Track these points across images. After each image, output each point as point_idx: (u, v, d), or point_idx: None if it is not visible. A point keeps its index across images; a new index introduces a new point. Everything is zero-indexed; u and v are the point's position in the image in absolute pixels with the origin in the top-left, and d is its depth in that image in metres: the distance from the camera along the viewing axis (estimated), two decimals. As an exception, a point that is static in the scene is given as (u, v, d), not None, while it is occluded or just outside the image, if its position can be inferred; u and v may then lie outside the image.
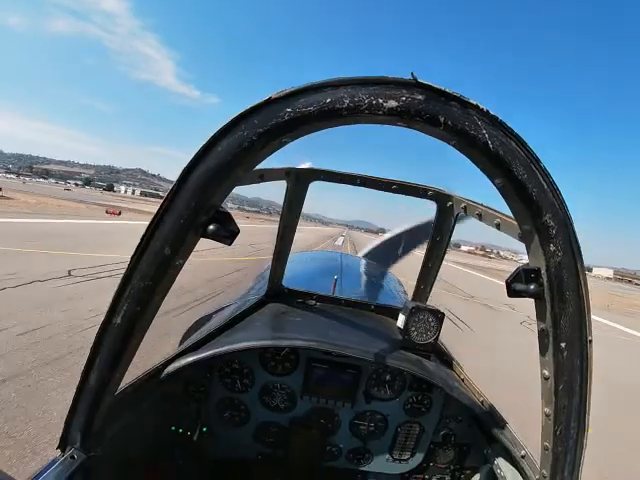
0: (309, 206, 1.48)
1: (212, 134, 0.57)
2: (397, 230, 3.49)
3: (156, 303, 0.69)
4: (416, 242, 3.00)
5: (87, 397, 0.73)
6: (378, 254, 3.82)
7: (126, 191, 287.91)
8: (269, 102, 0.55)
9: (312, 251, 3.90)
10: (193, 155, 0.58)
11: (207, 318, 1.63)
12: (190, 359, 1.07)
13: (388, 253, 3.59)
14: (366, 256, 3.93)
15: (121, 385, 0.82)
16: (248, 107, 0.55)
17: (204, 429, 1.26)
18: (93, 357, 0.70)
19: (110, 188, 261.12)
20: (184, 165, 0.59)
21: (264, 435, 1.34)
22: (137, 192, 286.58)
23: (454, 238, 1.42)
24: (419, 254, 1.75)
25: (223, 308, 1.71)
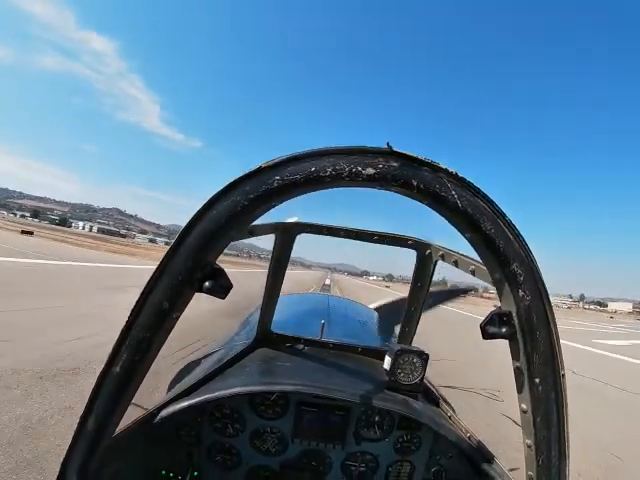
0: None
1: (208, 198, 0.62)
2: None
3: (153, 353, 0.72)
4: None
5: (84, 440, 0.75)
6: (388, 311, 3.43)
7: (84, 227, 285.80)
8: (260, 170, 0.60)
9: (299, 294, 3.99)
10: (190, 217, 0.63)
11: (196, 363, 1.63)
12: (184, 404, 1.10)
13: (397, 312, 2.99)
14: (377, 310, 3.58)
15: (117, 429, 0.83)
16: (241, 175, 0.61)
17: (195, 473, 1.27)
18: (92, 402, 0.73)
19: (63, 223, 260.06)
20: (183, 224, 0.65)
21: (256, 479, 1.34)
22: (94, 229, 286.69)
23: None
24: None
25: (212, 353, 1.72)
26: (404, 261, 1.59)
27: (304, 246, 1.56)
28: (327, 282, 26.34)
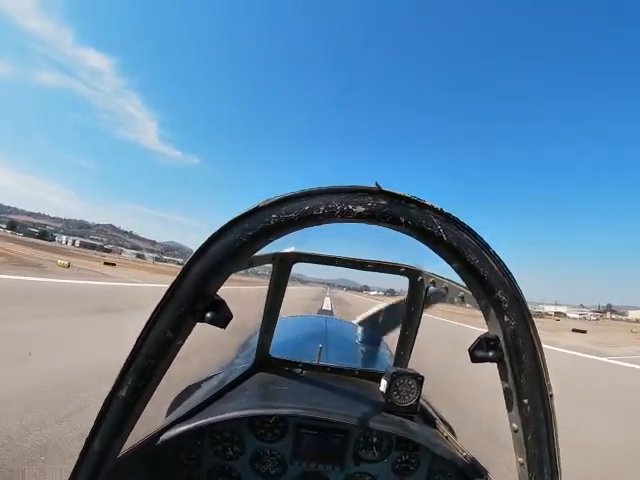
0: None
1: (209, 235, 0.67)
2: (393, 301, 3.20)
3: (157, 378, 0.76)
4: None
5: (90, 460, 0.77)
6: (374, 322, 3.43)
7: (67, 242, 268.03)
8: (257, 210, 0.65)
9: (297, 316, 4.01)
10: (193, 253, 0.68)
11: (196, 387, 1.65)
12: (185, 427, 1.12)
13: (385, 321, 3.25)
14: (361, 324, 3.57)
15: (121, 451, 0.85)
16: (239, 214, 0.65)
17: None
18: (98, 425, 0.75)
19: (42, 236, 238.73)
20: (187, 258, 0.69)
21: None
22: (77, 243, 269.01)
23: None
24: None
25: (212, 377, 1.74)
26: (403, 277, 1.57)
27: (304, 264, 1.60)
28: (326, 306, 20.52)
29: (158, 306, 0.69)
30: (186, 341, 0.75)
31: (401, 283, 1.56)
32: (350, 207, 0.63)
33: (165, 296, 0.69)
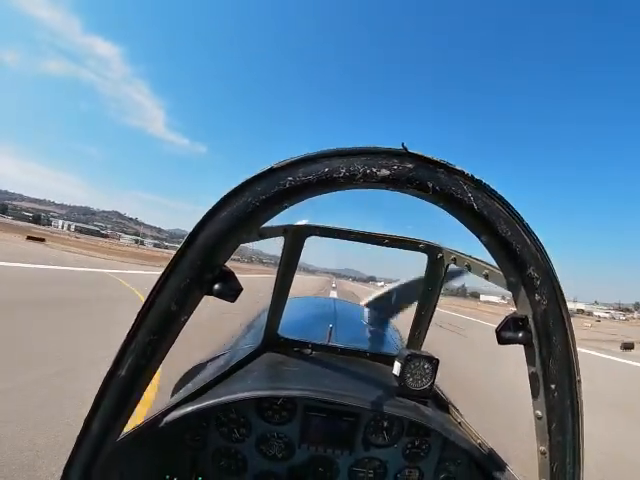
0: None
1: (217, 200, 0.61)
2: (401, 282, 3.03)
3: (160, 357, 0.72)
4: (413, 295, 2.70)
5: (88, 443, 0.74)
6: (380, 304, 3.44)
7: (63, 226, 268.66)
8: (272, 171, 0.59)
9: (306, 297, 3.97)
10: (199, 219, 0.62)
11: (201, 367, 1.63)
12: (190, 409, 1.09)
13: (392, 304, 3.21)
14: (368, 305, 3.60)
15: (122, 433, 0.83)
16: (251, 176, 0.60)
17: (200, 478, 1.26)
18: (96, 406, 0.72)
19: (36, 220, 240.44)
20: (190, 227, 0.63)
21: None
22: (72, 227, 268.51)
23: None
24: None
25: (218, 357, 1.71)
26: (412, 266, 1.58)
27: (308, 251, 1.55)
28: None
29: (161, 277, 0.65)
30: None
31: (410, 272, 1.63)
32: (374, 170, 0.58)
33: (169, 266, 0.64)
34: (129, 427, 0.89)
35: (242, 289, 0.68)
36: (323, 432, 1.29)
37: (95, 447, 0.74)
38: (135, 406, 0.76)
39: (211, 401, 1.11)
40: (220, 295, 0.66)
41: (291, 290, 1.60)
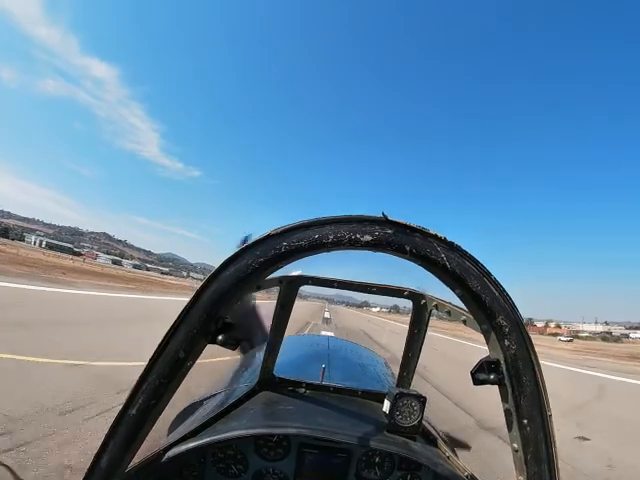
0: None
1: (222, 261, 0.70)
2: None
3: (168, 397, 0.77)
4: None
5: (97, 476, 0.78)
6: None
7: (35, 242, 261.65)
8: (269, 237, 0.68)
9: (301, 335, 4.11)
10: (206, 277, 0.71)
11: (198, 404, 1.68)
12: (190, 445, 1.13)
13: None
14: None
15: (127, 467, 0.86)
16: (252, 241, 0.69)
17: None
18: (107, 441, 0.77)
19: (3, 233, 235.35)
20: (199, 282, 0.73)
21: None
22: (44, 244, 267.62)
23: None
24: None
25: (214, 395, 1.75)
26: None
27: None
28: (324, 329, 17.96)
29: (171, 328, 0.72)
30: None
31: (404, 300, 1.54)
32: (358, 236, 0.66)
33: (179, 317, 0.72)
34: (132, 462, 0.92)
35: (242, 339, 0.76)
36: (317, 468, 1.32)
37: (104, 478, 0.78)
38: (142, 442, 0.81)
39: (210, 438, 1.15)
40: (223, 344, 0.74)
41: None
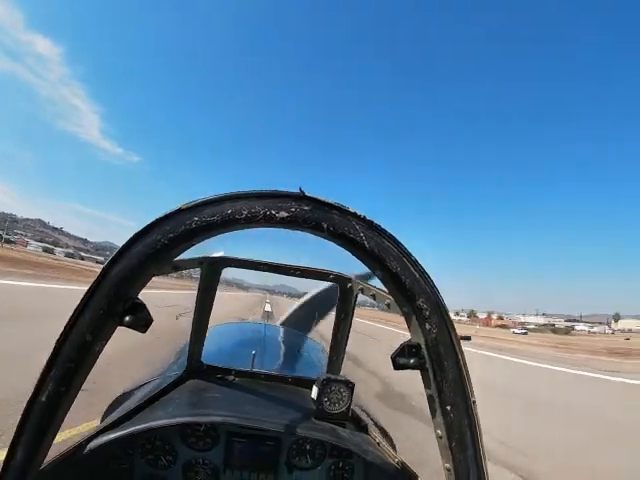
0: (227, 272, 1.57)
1: (129, 237, 0.65)
2: (311, 293, 3.73)
3: (78, 383, 0.73)
4: (329, 305, 3.02)
5: (12, 472, 0.74)
6: (297, 319, 3.94)
7: None
8: (179, 211, 0.65)
9: (233, 322, 3.92)
10: (112, 254, 0.67)
11: (128, 394, 1.61)
12: (111, 436, 1.08)
13: (306, 318, 3.72)
14: (286, 322, 4.09)
15: (45, 461, 0.82)
16: (161, 215, 0.65)
17: None
18: (19, 433, 0.72)
19: None
20: (106, 260, 0.67)
21: None
22: None
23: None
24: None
25: (144, 384, 1.68)
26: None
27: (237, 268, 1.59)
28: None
29: (77, 308, 0.68)
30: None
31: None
32: (273, 212, 0.63)
33: (84, 298, 0.67)
34: (52, 455, 0.88)
35: (152, 321, 0.70)
36: (247, 457, 1.30)
37: (20, 474, 0.74)
38: (56, 433, 0.77)
39: (132, 428, 1.11)
40: (131, 326, 0.69)
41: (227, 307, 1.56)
